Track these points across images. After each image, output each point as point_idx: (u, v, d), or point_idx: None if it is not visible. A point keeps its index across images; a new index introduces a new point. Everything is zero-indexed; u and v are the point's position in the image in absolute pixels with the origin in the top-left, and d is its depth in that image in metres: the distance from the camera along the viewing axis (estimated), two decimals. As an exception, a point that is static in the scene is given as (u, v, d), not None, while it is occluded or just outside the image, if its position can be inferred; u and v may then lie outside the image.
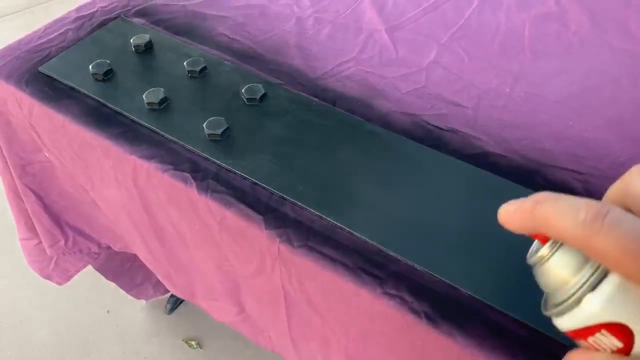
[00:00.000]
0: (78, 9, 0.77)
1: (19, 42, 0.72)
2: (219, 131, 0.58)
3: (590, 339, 0.25)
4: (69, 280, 1.03)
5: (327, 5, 0.77)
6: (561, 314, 0.26)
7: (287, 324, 0.61)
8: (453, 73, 0.66)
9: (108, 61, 0.66)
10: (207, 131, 0.58)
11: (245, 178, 0.56)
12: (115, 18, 0.75)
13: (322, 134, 0.59)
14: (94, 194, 0.73)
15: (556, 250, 0.26)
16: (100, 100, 0.63)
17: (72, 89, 0.65)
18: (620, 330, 0.24)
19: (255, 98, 0.62)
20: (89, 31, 0.73)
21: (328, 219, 0.52)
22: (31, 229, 0.89)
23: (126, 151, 0.59)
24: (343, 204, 0.53)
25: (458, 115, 0.61)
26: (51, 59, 0.69)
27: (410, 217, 0.51)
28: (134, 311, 1.25)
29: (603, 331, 0.24)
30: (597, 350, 0.25)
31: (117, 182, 0.64)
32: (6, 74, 0.67)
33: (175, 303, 1.23)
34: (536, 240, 0.28)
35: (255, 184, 0.55)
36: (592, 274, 0.24)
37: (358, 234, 0.50)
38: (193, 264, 0.69)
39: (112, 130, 0.61)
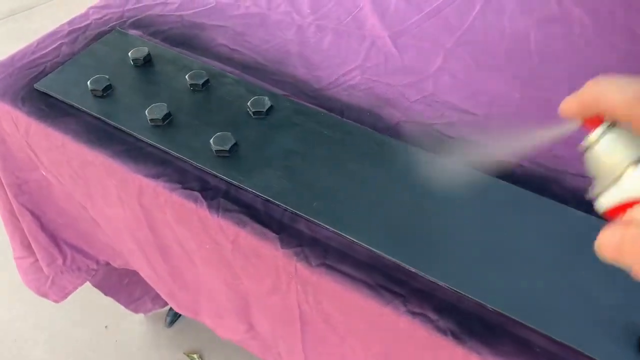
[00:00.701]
0: (70, 22, 0.75)
1: (12, 57, 0.69)
2: (227, 147, 0.57)
3: (627, 214, 0.26)
4: (66, 297, 1.01)
5: (327, 12, 0.75)
6: (604, 190, 0.27)
7: (301, 342, 0.60)
8: (461, 79, 0.65)
9: (107, 76, 0.64)
10: (214, 147, 0.57)
11: (257, 195, 0.54)
12: (110, 30, 0.73)
13: (332, 146, 0.58)
14: (94, 212, 0.70)
15: (606, 133, 0.27)
16: (101, 117, 0.61)
17: (71, 106, 0.63)
18: None
19: (262, 111, 0.61)
20: (84, 45, 0.71)
21: (345, 235, 0.51)
22: (27, 247, 0.86)
23: (131, 170, 0.57)
24: (359, 219, 0.52)
25: (469, 123, 0.60)
26: (46, 74, 0.67)
27: (429, 230, 0.50)
28: (132, 325, 1.22)
29: (638, 205, 0.25)
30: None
31: (120, 201, 0.62)
32: (1, 92, 0.65)
33: (175, 315, 1.21)
34: (592, 131, 0.29)
35: (268, 200, 0.54)
36: (635, 152, 0.26)
37: (377, 251, 0.49)
38: (199, 282, 0.67)
39: (114, 148, 0.59)
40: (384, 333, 0.48)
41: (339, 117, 0.61)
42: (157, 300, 1.18)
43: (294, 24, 0.74)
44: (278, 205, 0.53)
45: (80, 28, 0.74)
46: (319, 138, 0.59)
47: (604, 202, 0.27)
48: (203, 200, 0.54)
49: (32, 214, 0.78)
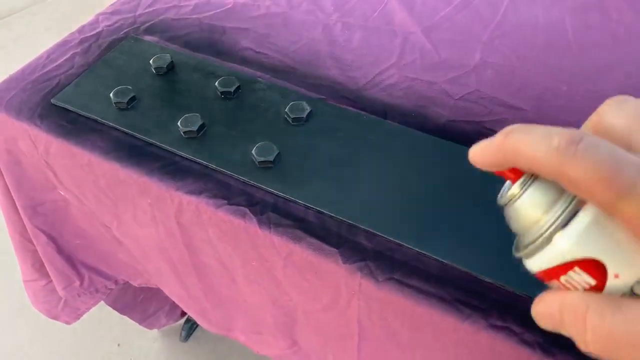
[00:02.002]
0: (80, 30, 0.70)
1: (22, 71, 0.65)
2: (271, 157, 0.53)
3: (563, 278, 0.24)
4: (78, 319, 0.96)
5: (352, 9, 0.72)
6: (532, 253, 0.25)
7: (357, 356, 0.57)
8: (504, 73, 0.62)
9: (130, 87, 0.60)
10: (257, 158, 0.53)
11: (308, 207, 0.51)
12: (123, 37, 0.69)
13: (379, 151, 0.55)
14: (119, 232, 0.66)
15: (528, 188, 0.24)
16: (129, 131, 0.57)
17: (94, 120, 0.59)
18: (593, 267, 0.23)
19: (302, 117, 0.57)
20: (99, 54, 0.67)
21: (409, 246, 0.47)
22: (38, 270, 0.82)
23: (170, 187, 0.53)
24: (422, 228, 0.49)
25: (520, 120, 0.57)
26: (62, 88, 0.62)
27: (502, 237, 0.47)
28: (146, 342, 1.18)
29: (575, 269, 0.23)
30: (569, 289, 0.24)
31: (154, 220, 0.58)
32: (16, 109, 0.60)
33: (191, 329, 1.17)
34: (508, 182, 0.26)
35: (321, 212, 0.50)
36: (565, 210, 0.23)
37: (448, 262, 0.46)
38: (237, 298, 0.64)
39: (149, 165, 0.55)
40: (461, 351, 0.46)
41: (383, 119, 0.58)
42: (171, 314, 1.14)
43: (319, 22, 0.70)
44: (333, 217, 0.50)
45: (91, 36, 0.69)
46: (364, 143, 0.56)
47: (535, 264, 0.25)
48: (252, 216, 0.50)
49: (48, 236, 0.74)
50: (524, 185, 0.25)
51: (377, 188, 0.52)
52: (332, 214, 0.50)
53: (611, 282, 0.23)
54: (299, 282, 0.52)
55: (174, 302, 0.78)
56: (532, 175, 0.25)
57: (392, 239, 0.48)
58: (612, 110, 0.25)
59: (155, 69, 0.62)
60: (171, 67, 0.63)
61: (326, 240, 0.48)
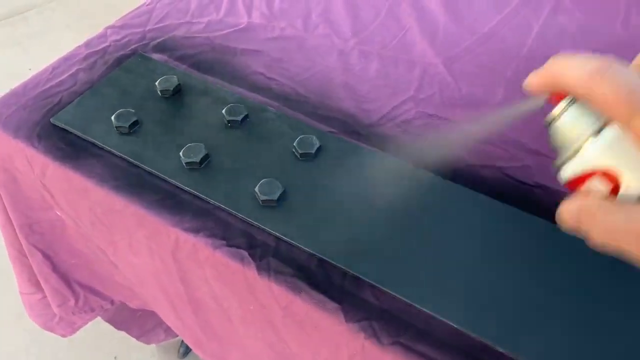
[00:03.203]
0: (87, 44, 0.68)
1: (24, 86, 0.62)
2: (275, 196, 0.50)
3: (586, 185, 0.27)
4: (74, 332, 0.94)
5: (370, 36, 0.69)
6: (566, 161, 0.28)
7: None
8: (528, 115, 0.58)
9: (132, 110, 0.57)
10: (260, 196, 0.50)
11: (311, 254, 0.47)
12: (131, 54, 0.66)
13: (392, 193, 0.51)
14: (114, 257, 0.63)
15: (568, 108, 0.28)
16: (129, 158, 0.54)
17: (93, 144, 0.56)
18: (611, 177, 0.26)
19: (311, 153, 0.54)
20: (104, 71, 0.64)
21: (419, 307, 0.44)
22: (35, 284, 0.79)
23: (167, 222, 0.50)
24: (436, 287, 0.45)
25: (544, 168, 0.53)
26: (63, 106, 0.60)
27: (518, 301, 0.44)
28: (144, 356, 1.15)
29: (597, 176, 0.27)
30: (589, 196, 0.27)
31: (150, 252, 0.55)
32: (14, 127, 0.57)
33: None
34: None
35: (324, 260, 0.47)
36: (594, 126, 0.26)
37: (461, 328, 0.43)
38: (233, 336, 0.61)
39: (146, 197, 0.52)
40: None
41: (398, 160, 0.54)
42: (170, 330, 1.11)
43: (334, 48, 0.67)
44: (337, 267, 0.47)
45: (98, 51, 0.66)
46: (376, 185, 0.52)
47: (565, 173, 0.28)
48: (251, 261, 0.47)
49: (44, 254, 0.71)
50: (566, 106, 0.28)
51: (388, 237, 0.48)
52: (337, 264, 0.46)
53: (624, 190, 0.26)
54: (298, 334, 0.49)
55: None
56: (572, 99, 0.28)
57: (400, 297, 0.44)
58: (572, 68, 0.27)
59: (161, 91, 0.59)
60: (178, 90, 0.60)
61: (328, 294, 0.45)
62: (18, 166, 0.59)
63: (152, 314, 1.02)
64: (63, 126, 0.57)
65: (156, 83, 0.60)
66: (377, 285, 0.45)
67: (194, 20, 0.70)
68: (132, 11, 0.72)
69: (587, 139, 0.27)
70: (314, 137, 0.55)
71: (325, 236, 0.48)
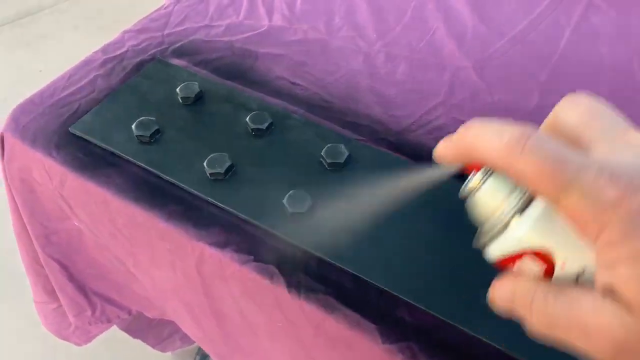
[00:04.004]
0: (104, 49, 0.66)
1: (41, 93, 0.60)
2: (303, 209, 0.48)
3: (517, 266, 0.25)
4: (89, 341, 0.92)
5: (396, 37, 0.66)
6: (490, 241, 0.26)
7: None
8: (566, 121, 0.55)
9: (153, 118, 0.55)
10: (289, 209, 0.48)
11: (343, 270, 0.45)
12: (150, 59, 0.64)
13: (428, 207, 0.49)
14: (134, 269, 0.62)
15: (486, 179, 0.25)
16: (150, 169, 0.52)
17: (113, 154, 0.54)
18: (544, 256, 0.24)
19: (340, 162, 0.52)
20: (122, 77, 0.62)
21: (459, 326, 0.42)
22: (50, 293, 0.78)
23: (191, 236, 0.48)
24: (474, 305, 0.43)
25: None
26: (82, 114, 0.58)
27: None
28: (159, 364, 1.14)
29: (528, 256, 0.24)
30: (522, 277, 0.25)
31: (173, 265, 0.53)
32: (31, 137, 0.56)
33: (206, 353, 1.12)
34: (470, 175, 0.27)
35: (357, 277, 0.45)
36: (521, 199, 0.24)
37: (503, 348, 0.40)
38: (257, 350, 0.59)
39: (169, 209, 0.50)
40: None
41: (432, 169, 0.52)
42: (186, 338, 1.10)
43: (359, 51, 0.65)
44: (371, 284, 0.44)
45: (116, 57, 0.64)
46: (410, 195, 0.50)
47: (492, 253, 0.26)
48: (280, 277, 0.45)
49: (60, 264, 0.69)
50: (483, 177, 0.26)
51: (423, 252, 0.46)
52: (372, 281, 0.44)
53: (559, 270, 0.24)
54: (329, 353, 0.47)
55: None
56: (489, 169, 0.25)
57: (438, 315, 0.42)
58: (566, 108, 0.26)
59: (182, 98, 0.57)
60: (199, 97, 0.58)
61: (363, 313, 0.43)
62: (36, 176, 0.57)
63: (168, 322, 1.00)
64: (82, 135, 0.55)
65: (177, 90, 0.58)
66: (415, 304, 0.43)
67: (213, 24, 0.68)
68: (149, 14, 0.70)
69: (512, 217, 0.24)
70: (342, 146, 0.52)
71: (358, 251, 0.46)
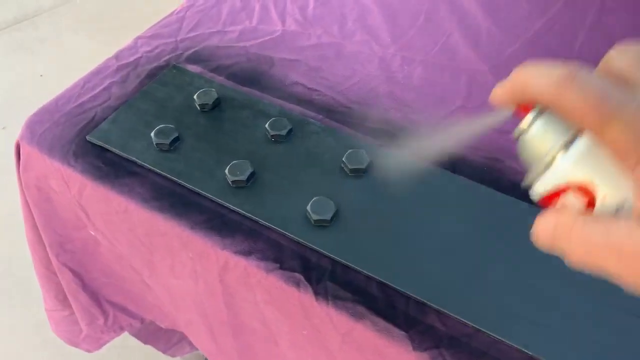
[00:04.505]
0: (117, 56, 0.65)
1: (56, 101, 0.60)
2: (328, 215, 0.48)
3: (560, 200, 0.26)
4: (100, 348, 0.92)
5: (411, 41, 0.66)
6: (537, 177, 0.26)
7: None
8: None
9: (172, 125, 0.55)
10: (313, 216, 0.48)
11: (370, 277, 0.45)
12: (164, 66, 0.64)
13: (451, 212, 0.49)
14: (150, 279, 0.61)
15: (537, 120, 0.26)
16: (171, 177, 0.52)
17: (132, 162, 0.54)
18: (586, 190, 0.25)
19: (362, 168, 0.51)
20: (137, 84, 0.62)
21: (488, 332, 0.42)
22: (62, 301, 0.77)
23: (216, 244, 0.48)
24: (503, 310, 0.43)
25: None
26: (98, 122, 0.57)
27: (598, 327, 0.41)
28: (168, 369, 1.13)
29: (571, 191, 0.25)
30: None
31: (194, 274, 0.53)
32: (48, 145, 0.55)
33: (214, 359, 1.12)
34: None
35: (384, 284, 0.45)
36: (567, 136, 0.25)
37: (534, 354, 0.40)
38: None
39: (192, 217, 0.49)
40: None
41: (451, 173, 0.52)
42: (196, 343, 1.09)
43: (374, 55, 0.64)
44: (399, 291, 0.44)
45: (129, 63, 0.64)
46: (432, 201, 0.50)
47: (538, 189, 0.27)
48: (307, 285, 0.45)
49: (74, 273, 0.69)
50: (534, 118, 0.26)
51: (448, 258, 0.46)
52: (399, 288, 0.44)
53: (599, 204, 0.25)
54: (357, 360, 0.47)
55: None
56: (540, 109, 0.26)
57: (469, 323, 0.42)
58: (616, 54, 0.27)
59: (199, 105, 0.57)
60: (217, 104, 0.58)
61: (393, 321, 0.43)
62: (53, 185, 0.57)
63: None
64: (100, 144, 0.55)
65: (194, 97, 0.58)
66: (442, 310, 0.43)
67: (226, 29, 0.68)
68: (162, 20, 0.70)
69: (557, 152, 0.25)
70: (364, 152, 0.52)
71: (384, 258, 0.46)
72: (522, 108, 0.27)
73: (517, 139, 0.28)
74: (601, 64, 0.27)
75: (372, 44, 0.66)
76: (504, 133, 0.53)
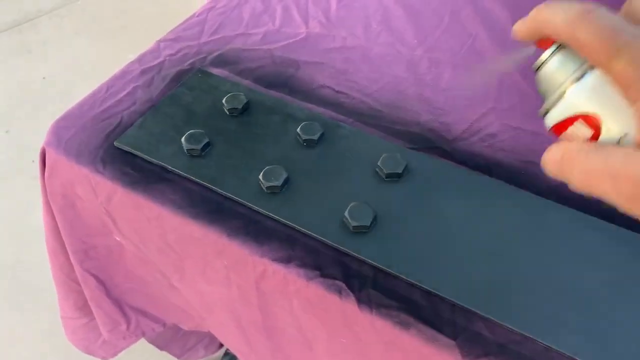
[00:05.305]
0: (140, 60, 0.64)
1: (80, 106, 0.59)
2: (367, 221, 0.47)
3: (569, 130, 0.27)
4: (115, 355, 0.91)
5: (437, 43, 0.65)
6: (550, 107, 0.28)
7: None
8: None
9: (202, 130, 0.54)
10: (351, 222, 0.47)
11: (413, 284, 0.44)
12: (189, 69, 0.63)
13: (492, 217, 0.48)
14: (180, 284, 0.60)
15: (554, 54, 0.28)
16: (205, 183, 0.51)
17: (163, 168, 0.53)
18: (593, 120, 0.26)
19: (398, 173, 0.51)
20: (163, 88, 0.61)
21: (537, 339, 0.41)
22: (80, 309, 0.76)
23: (254, 252, 0.47)
24: (550, 316, 0.42)
25: None
26: (125, 127, 0.56)
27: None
28: (182, 374, 1.12)
29: (579, 121, 0.27)
30: (573, 141, 0.28)
31: (228, 281, 0.52)
32: (75, 152, 0.54)
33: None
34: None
35: (428, 292, 0.44)
36: (579, 70, 0.26)
37: (587, 362, 0.40)
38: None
39: (228, 224, 0.49)
40: None
41: (488, 177, 0.51)
42: (210, 347, 1.09)
43: (401, 57, 0.64)
44: (444, 298, 0.43)
45: (153, 67, 0.63)
46: (473, 206, 0.49)
47: (550, 119, 0.28)
48: (350, 293, 0.44)
49: (97, 279, 0.68)
50: (552, 52, 0.28)
51: (493, 264, 0.45)
52: (445, 296, 0.43)
53: (604, 134, 0.26)
54: (400, 368, 0.46)
55: (212, 335, 0.73)
56: (559, 45, 0.27)
57: (516, 329, 0.41)
58: (556, 14, 0.27)
59: (229, 110, 0.56)
60: (246, 108, 0.57)
61: (440, 329, 0.42)
62: (79, 192, 0.56)
63: (194, 332, 0.99)
64: (129, 150, 0.54)
65: (223, 101, 0.57)
66: (489, 317, 0.42)
67: (249, 31, 0.67)
68: (183, 22, 0.69)
69: (570, 85, 0.27)
70: (399, 156, 0.52)
71: (426, 264, 0.45)
72: (544, 42, 0.28)
73: (536, 71, 0.29)
74: (625, 6, 0.28)
75: (398, 45, 0.65)
76: (538, 136, 0.53)
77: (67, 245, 0.64)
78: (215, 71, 0.62)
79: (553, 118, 0.28)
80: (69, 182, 0.56)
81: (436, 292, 0.43)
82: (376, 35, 0.67)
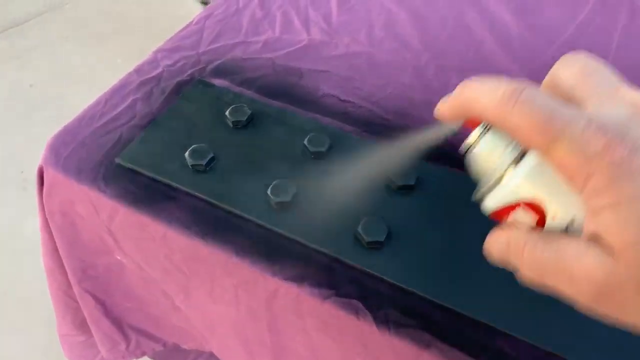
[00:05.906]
0: (138, 71, 0.63)
1: (79, 120, 0.57)
2: (381, 237, 0.45)
3: (511, 217, 0.26)
4: (115, 370, 0.89)
5: (444, 48, 0.64)
6: (487, 193, 0.26)
7: None
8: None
9: (205, 145, 0.52)
10: (365, 237, 0.45)
11: (431, 302, 0.43)
12: (188, 80, 0.61)
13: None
14: (184, 304, 0.58)
15: (484, 135, 0.26)
16: (211, 200, 0.49)
17: (166, 185, 0.51)
18: (536, 206, 0.25)
19: (410, 185, 0.49)
20: (163, 100, 0.59)
21: (561, 356, 0.40)
22: (78, 327, 0.74)
23: (265, 271, 0.45)
24: (571, 332, 0.41)
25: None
26: (125, 142, 0.54)
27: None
28: (183, 388, 1.10)
29: (521, 207, 0.25)
30: (516, 227, 0.26)
31: (236, 300, 0.51)
32: (75, 169, 0.52)
33: (231, 374, 1.09)
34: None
35: (447, 309, 0.43)
36: (515, 153, 0.25)
37: (616, 380, 0.38)
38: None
39: (237, 242, 0.47)
40: None
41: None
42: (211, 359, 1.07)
43: (407, 64, 0.62)
44: (464, 316, 0.42)
45: (151, 78, 0.61)
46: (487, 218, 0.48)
47: (489, 204, 0.27)
48: (367, 312, 0.43)
49: (96, 298, 0.66)
50: (481, 133, 0.26)
51: (514, 278, 0.44)
52: (466, 313, 0.42)
53: (550, 221, 0.25)
54: (419, 388, 0.44)
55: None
56: (487, 124, 0.26)
57: (540, 345, 0.40)
58: (562, 68, 0.26)
59: (232, 122, 0.54)
60: (250, 120, 0.55)
61: (462, 348, 0.41)
62: (79, 210, 0.54)
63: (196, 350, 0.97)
64: (130, 167, 0.52)
65: (226, 113, 0.55)
66: (514, 334, 0.41)
67: (249, 40, 0.65)
68: (180, 31, 0.67)
69: (507, 169, 0.25)
70: (411, 168, 0.50)
71: (444, 280, 0.44)
72: (470, 121, 0.27)
73: (465, 153, 0.27)
74: (548, 77, 0.27)
75: (403, 51, 0.64)
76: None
77: (65, 264, 0.62)
78: (216, 82, 0.60)
79: (491, 205, 0.26)
80: (69, 201, 0.54)
81: (457, 310, 0.42)
82: (380, 41, 0.65)
